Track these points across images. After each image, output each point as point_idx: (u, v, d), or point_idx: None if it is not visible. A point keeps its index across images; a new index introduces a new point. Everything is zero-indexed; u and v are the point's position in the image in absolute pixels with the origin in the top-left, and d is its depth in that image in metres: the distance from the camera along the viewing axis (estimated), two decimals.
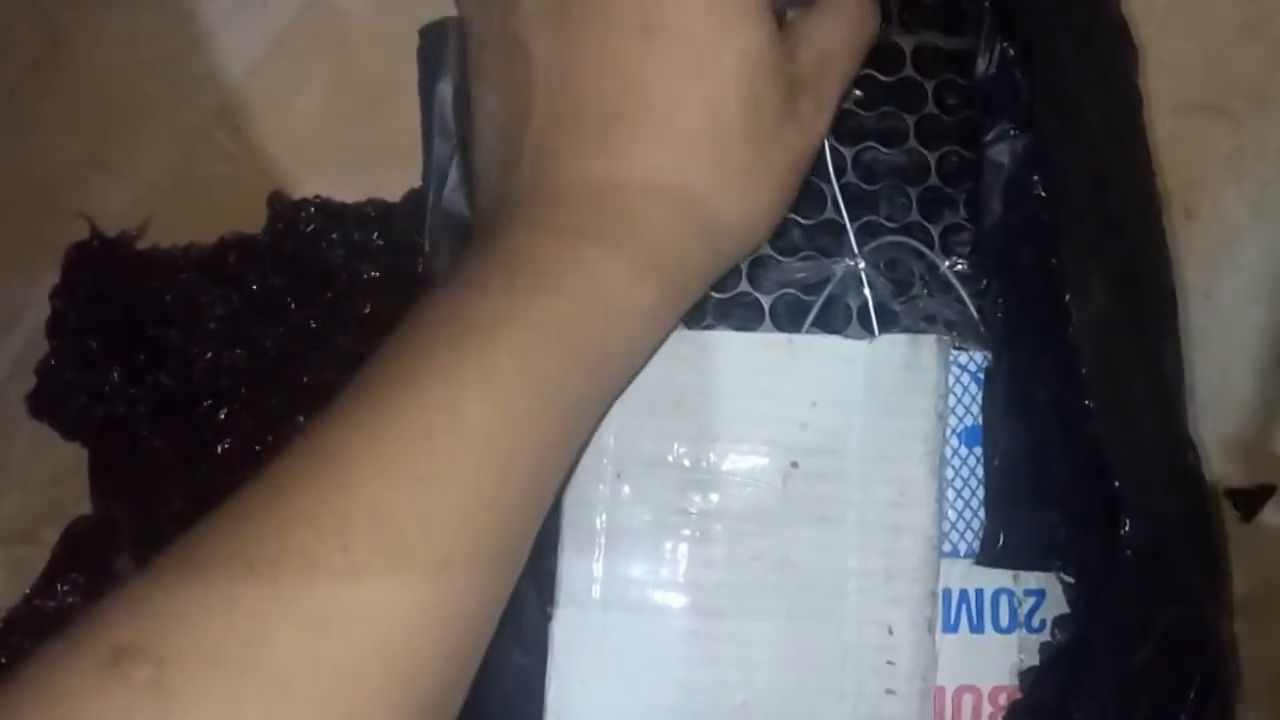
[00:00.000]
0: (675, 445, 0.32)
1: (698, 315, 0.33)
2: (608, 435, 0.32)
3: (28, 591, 0.37)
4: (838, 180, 0.34)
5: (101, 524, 0.37)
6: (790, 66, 0.30)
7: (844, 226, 0.34)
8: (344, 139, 0.40)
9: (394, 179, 0.39)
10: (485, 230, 0.30)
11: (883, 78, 0.35)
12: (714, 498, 0.32)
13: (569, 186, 0.29)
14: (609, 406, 0.31)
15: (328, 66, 0.40)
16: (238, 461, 0.37)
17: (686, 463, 0.32)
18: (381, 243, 0.38)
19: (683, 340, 0.32)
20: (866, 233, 0.34)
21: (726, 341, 0.33)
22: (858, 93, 0.34)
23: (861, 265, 0.33)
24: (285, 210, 0.38)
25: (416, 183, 0.38)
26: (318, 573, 0.24)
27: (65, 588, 0.37)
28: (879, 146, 0.34)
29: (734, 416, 0.32)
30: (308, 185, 0.39)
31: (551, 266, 0.28)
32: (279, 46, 0.39)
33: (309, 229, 0.38)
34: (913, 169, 0.34)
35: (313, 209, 0.38)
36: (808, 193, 0.33)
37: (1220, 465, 0.41)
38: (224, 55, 0.39)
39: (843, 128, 0.34)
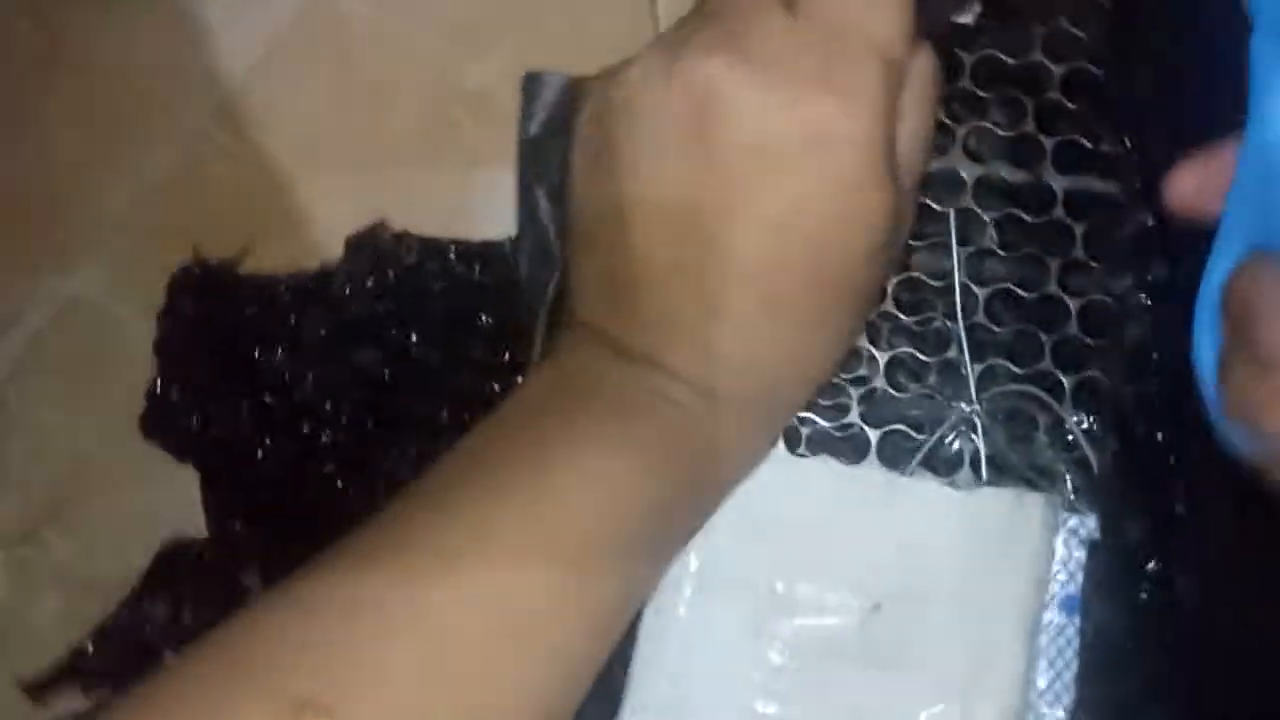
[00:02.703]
0: (758, 570, 0.32)
1: (796, 440, 0.33)
2: (691, 554, 0.32)
3: (116, 609, 0.37)
4: (965, 321, 0.33)
5: (219, 542, 0.37)
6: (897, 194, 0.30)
7: (964, 369, 0.33)
8: (344, 139, 0.40)
9: (394, 179, 0.39)
10: (583, 330, 0.31)
11: (1028, 218, 0.34)
12: (790, 629, 0.32)
13: (691, 328, 0.29)
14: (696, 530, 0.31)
15: (328, 66, 0.40)
16: (343, 482, 0.37)
17: (767, 590, 0.32)
18: (483, 280, 0.38)
19: (779, 465, 0.32)
20: (989, 377, 0.33)
21: (824, 471, 0.32)
22: (994, 235, 0.34)
23: (978, 410, 0.33)
24: (386, 242, 0.38)
25: (416, 183, 0.38)
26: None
27: (160, 607, 0.37)
28: (1017, 289, 0.33)
29: (822, 549, 0.32)
30: (308, 185, 0.39)
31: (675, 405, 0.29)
32: (279, 46, 0.39)
33: (409, 261, 0.38)
34: (1051, 314, 0.33)
35: (415, 242, 0.38)
36: (932, 331, 0.33)
37: None
38: (224, 55, 0.39)
39: (981, 268, 0.34)
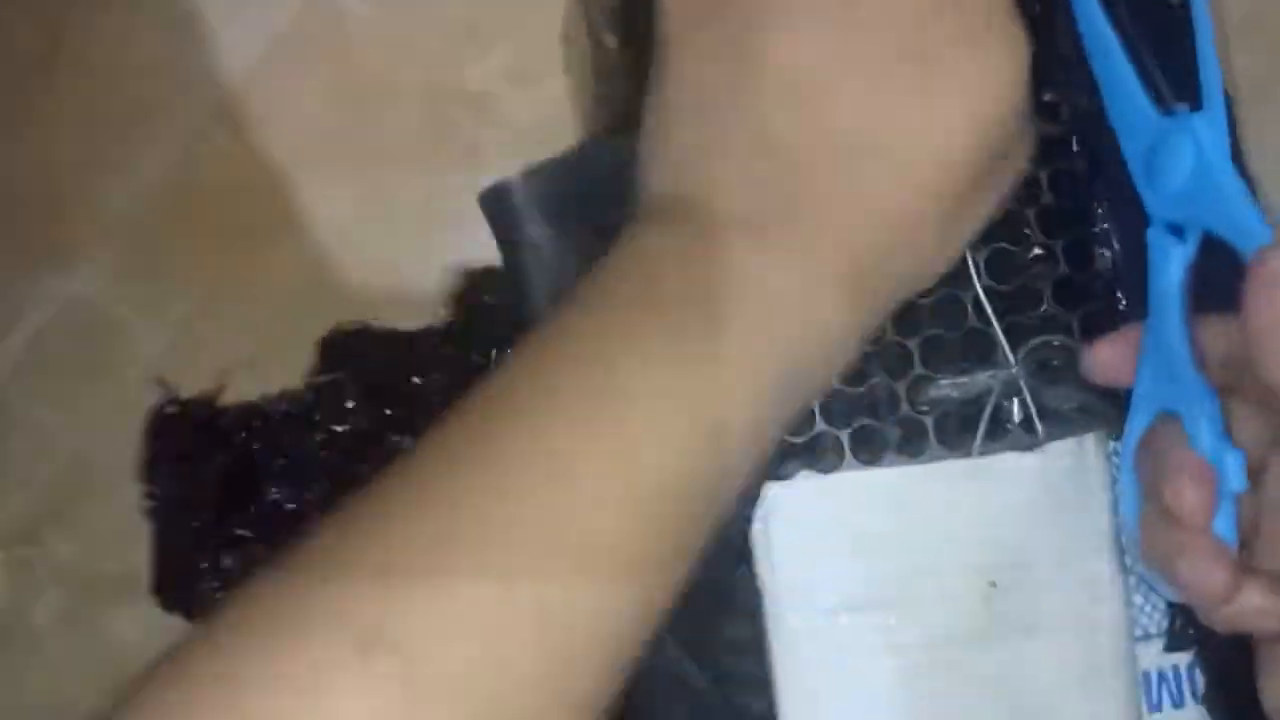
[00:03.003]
0: (878, 586, 0.33)
1: (872, 450, 0.33)
2: (812, 586, 0.33)
3: None
4: (980, 286, 0.34)
5: None
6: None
7: (993, 334, 0.34)
8: (344, 139, 0.40)
9: (394, 179, 0.39)
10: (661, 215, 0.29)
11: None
12: (923, 630, 0.33)
13: (790, 195, 0.28)
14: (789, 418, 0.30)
15: (328, 66, 0.40)
16: None
17: (891, 601, 0.33)
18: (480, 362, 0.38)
19: (865, 485, 0.33)
20: (1016, 336, 0.34)
21: (909, 478, 0.33)
22: None
23: (1019, 370, 0.34)
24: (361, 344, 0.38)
25: (416, 183, 0.38)
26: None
27: None
28: (1008, 245, 0.34)
29: (928, 548, 0.33)
30: (308, 185, 0.39)
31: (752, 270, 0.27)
32: (279, 46, 0.39)
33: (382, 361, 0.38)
34: (1040, 264, 0.34)
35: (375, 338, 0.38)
36: (949, 305, 0.34)
37: None
38: (224, 55, 0.39)
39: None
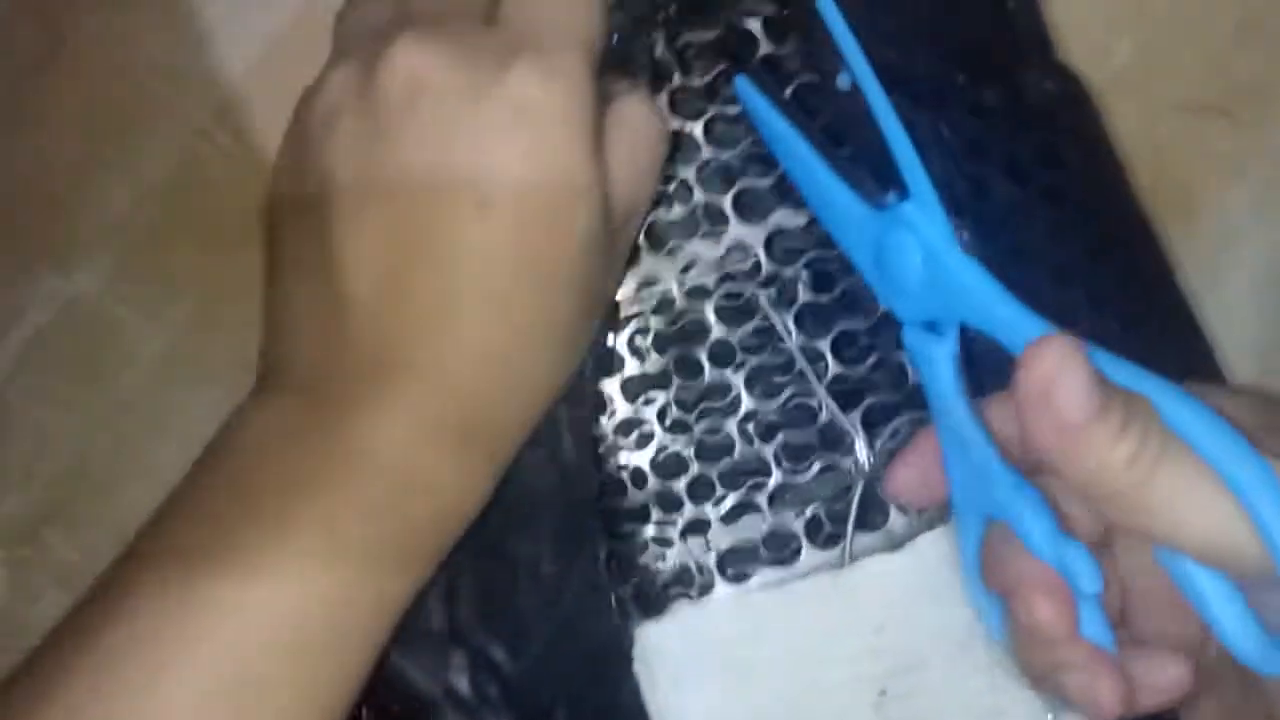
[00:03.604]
0: (766, 711, 0.32)
1: (740, 566, 0.33)
2: (702, 717, 0.32)
3: None
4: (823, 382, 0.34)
5: None
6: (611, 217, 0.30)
7: (844, 426, 0.34)
8: None
9: None
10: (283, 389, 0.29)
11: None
12: None
13: (374, 358, 0.28)
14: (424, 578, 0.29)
15: None
16: None
17: None
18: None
19: (740, 610, 0.33)
20: (873, 420, 0.34)
21: (782, 598, 0.33)
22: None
23: (871, 459, 0.34)
24: None
25: None
26: None
27: None
28: (849, 327, 0.35)
29: (812, 665, 0.32)
30: None
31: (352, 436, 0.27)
32: (279, 46, 0.39)
33: None
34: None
35: None
36: (795, 408, 0.34)
37: None
38: (224, 55, 0.39)
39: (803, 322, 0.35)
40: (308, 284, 0.29)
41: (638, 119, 0.31)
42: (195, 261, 0.39)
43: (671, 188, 0.35)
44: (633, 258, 0.34)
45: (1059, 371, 0.25)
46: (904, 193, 0.28)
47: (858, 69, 0.28)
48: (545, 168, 0.28)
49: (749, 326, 0.35)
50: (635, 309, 0.35)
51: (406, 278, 0.28)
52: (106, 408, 0.39)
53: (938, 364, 0.28)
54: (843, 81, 0.33)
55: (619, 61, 0.32)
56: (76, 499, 0.38)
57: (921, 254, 0.28)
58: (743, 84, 0.32)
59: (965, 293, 0.28)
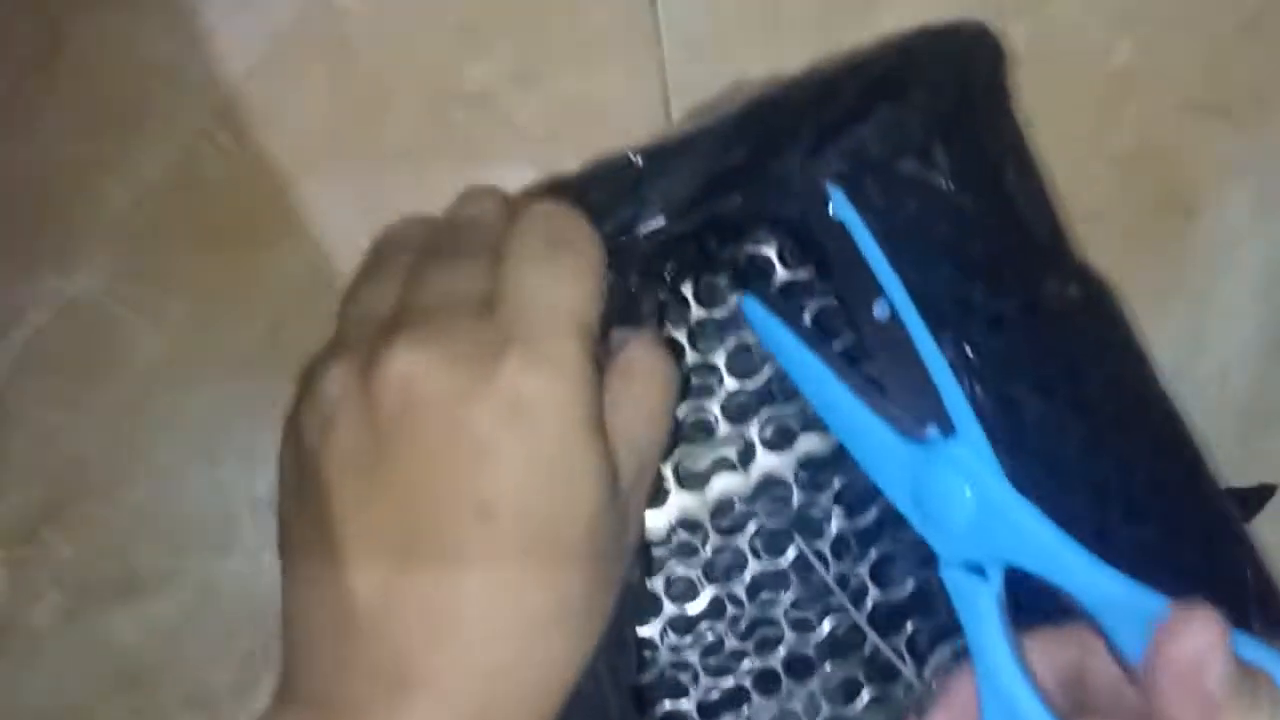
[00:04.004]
0: None
1: None
2: None
3: None
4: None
5: None
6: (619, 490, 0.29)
7: (892, 658, 0.33)
8: (344, 139, 0.40)
9: (394, 179, 0.39)
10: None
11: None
12: None
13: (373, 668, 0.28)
14: None
15: (328, 66, 0.40)
16: None
17: None
18: None
19: None
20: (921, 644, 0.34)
21: None
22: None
23: (927, 689, 0.33)
24: None
25: (416, 183, 0.38)
26: None
27: None
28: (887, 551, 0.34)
29: None
30: (308, 185, 0.39)
31: None
32: (279, 46, 0.39)
33: None
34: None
35: None
36: (842, 631, 0.33)
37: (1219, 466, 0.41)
38: (224, 55, 0.39)
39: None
40: (316, 583, 0.29)
41: (643, 367, 0.30)
42: (195, 261, 0.39)
43: (697, 421, 0.34)
44: (660, 498, 0.34)
45: (1209, 647, 0.24)
46: (947, 427, 0.28)
47: (897, 298, 0.27)
48: (546, 464, 0.27)
49: (787, 556, 0.34)
50: (668, 550, 0.34)
51: (409, 585, 0.27)
52: (106, 408, 0.39)
53: (980, 606, 0.28)
54: (880, 310, 0.30)
55: (625, 310, 0.31)
56: (76, 499, 0.39)
57: (971, 495, 0.27)
58: (751, 305, 0.31)
59: (1018, 535, 0.27)
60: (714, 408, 0.34)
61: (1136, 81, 0.41)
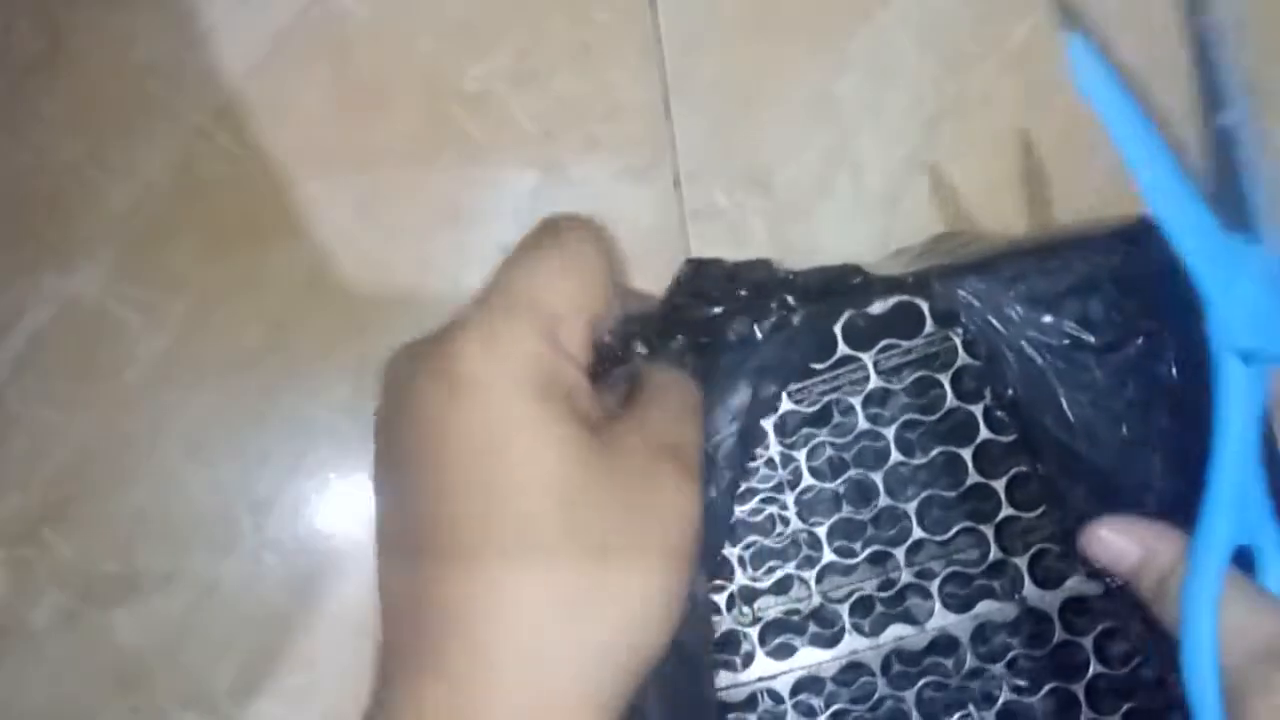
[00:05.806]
0: None
1: None
2: None
3: None
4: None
5: None
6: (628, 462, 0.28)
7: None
8: (344, 139, 0.40)
9: (394, 179, 0.39)
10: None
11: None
12: None
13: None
14: None
15: (328, 66, 0.40)
16: None
17: None
18: None
19: None
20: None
21: None
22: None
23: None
24: None
25: (416, 183, 0.38)
26: None
27: None
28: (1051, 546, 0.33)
29: None
30: (308, 185, 0.39)
31: None
32: (279, 46, 0.39)
33: None
34: None
35: None
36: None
37: None
38: (224, 55, 0.39)
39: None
40: (409, 584, 0.29)
41: (663, 378, 0.31)
42: (195, 261, 0.39)
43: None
44: (748, 661, 0.33)
45: None
46: (1253, 236, 0.29)
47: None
48: (484, 438, 0.27)
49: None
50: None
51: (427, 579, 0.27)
52: (106, 408, 0.39)
53: (1243, 395, 0.29)
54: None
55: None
56: (76, 499, 0.39)
57: (1268, 293, 0.29)
58: (1077, 45, 0.30)
59: None
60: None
61: (1136, 81, 0.41)
